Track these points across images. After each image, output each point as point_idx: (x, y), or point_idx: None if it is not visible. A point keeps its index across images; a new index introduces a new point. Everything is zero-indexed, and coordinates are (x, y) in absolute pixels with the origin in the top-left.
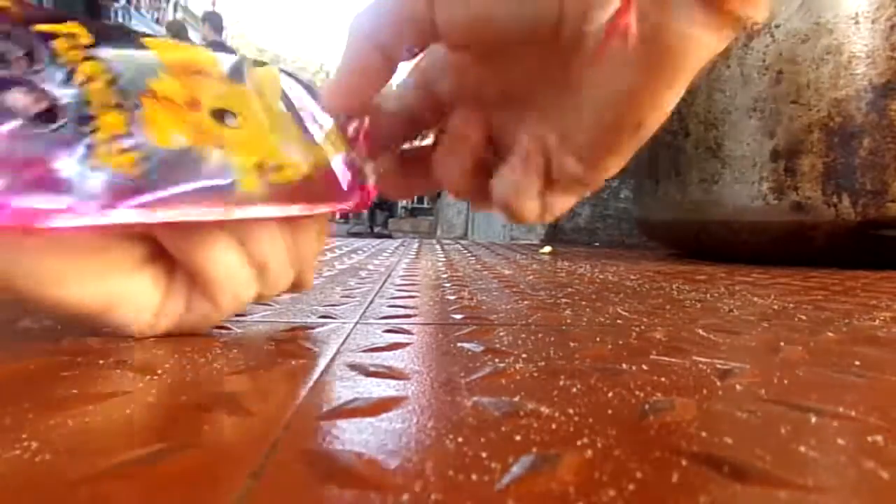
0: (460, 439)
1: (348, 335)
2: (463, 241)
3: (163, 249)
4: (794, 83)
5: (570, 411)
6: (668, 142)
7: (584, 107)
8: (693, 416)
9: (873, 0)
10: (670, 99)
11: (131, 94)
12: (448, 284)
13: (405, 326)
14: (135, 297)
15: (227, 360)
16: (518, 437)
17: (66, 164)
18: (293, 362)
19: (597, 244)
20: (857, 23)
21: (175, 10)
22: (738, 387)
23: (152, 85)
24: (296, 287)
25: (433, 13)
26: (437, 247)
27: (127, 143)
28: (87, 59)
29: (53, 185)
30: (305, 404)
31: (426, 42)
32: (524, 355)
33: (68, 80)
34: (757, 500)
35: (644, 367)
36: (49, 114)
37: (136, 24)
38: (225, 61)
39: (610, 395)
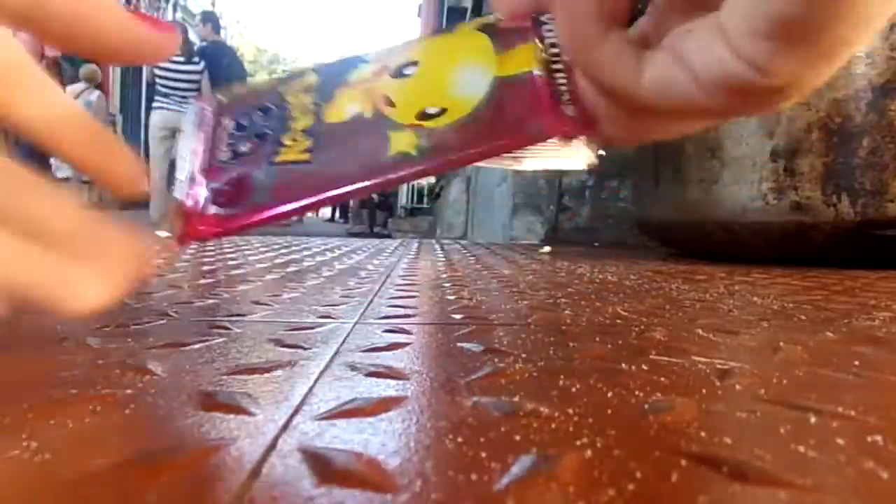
0: (460, 439)
1: (348, 335)
2: (463, 241)
3: None
4: None
5: (570, 411)
6: (667, 142)
7: None
8: (693, 416)
9: None
10: None
11: (327, 91)
12: (448, 284)
13: (405, 326)
14: None
15: (226, 360)
16: (518, 437)
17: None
18: (293, 362)
19: (597, 244)
20: None
21: (175, 9)
22: (737, 387)
23: (350, 76)
24: None
25: None
26: (437, 247)
27: (308, 132)
28: (306, 91)
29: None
30: (305, 404)
31: None
32: (524, 355)
33: (283, 116)
34: (756, 500)
35: (644, 367)
36: (259, 140)
37: None
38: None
39: (610, 395)
